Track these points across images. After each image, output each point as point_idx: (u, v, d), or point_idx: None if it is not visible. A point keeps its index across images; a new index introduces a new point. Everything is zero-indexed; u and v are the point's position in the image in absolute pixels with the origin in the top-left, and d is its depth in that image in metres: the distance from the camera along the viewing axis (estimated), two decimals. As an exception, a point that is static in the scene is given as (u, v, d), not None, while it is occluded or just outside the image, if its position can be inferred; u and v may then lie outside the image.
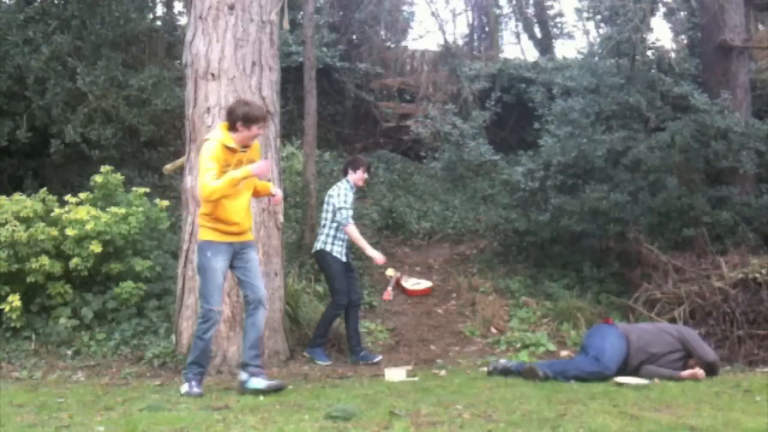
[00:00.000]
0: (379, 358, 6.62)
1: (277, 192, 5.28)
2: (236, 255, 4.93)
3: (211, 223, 4.85)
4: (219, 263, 4.83)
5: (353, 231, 6.66)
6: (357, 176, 6.84)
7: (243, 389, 4.85)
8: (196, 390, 4.84)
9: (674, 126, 8.64)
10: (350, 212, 6.66)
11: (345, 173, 6.91)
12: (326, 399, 4.59)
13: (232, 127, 4.82)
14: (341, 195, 6.65)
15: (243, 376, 4.91)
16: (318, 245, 6.74)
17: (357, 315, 6.82)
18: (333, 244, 6.65)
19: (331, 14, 14.16)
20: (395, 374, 5.66)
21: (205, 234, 4.88)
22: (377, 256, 6.83)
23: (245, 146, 4.87)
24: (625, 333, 5.59)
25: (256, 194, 5.19)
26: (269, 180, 5.53)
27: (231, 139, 4.80)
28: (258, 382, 4.83)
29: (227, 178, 4.68)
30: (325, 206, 6.76)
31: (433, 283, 8.83)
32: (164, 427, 3.75)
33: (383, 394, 4.76)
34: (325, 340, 6.68)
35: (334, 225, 6.65)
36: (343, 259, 6.67)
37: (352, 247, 6.93)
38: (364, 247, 6.78)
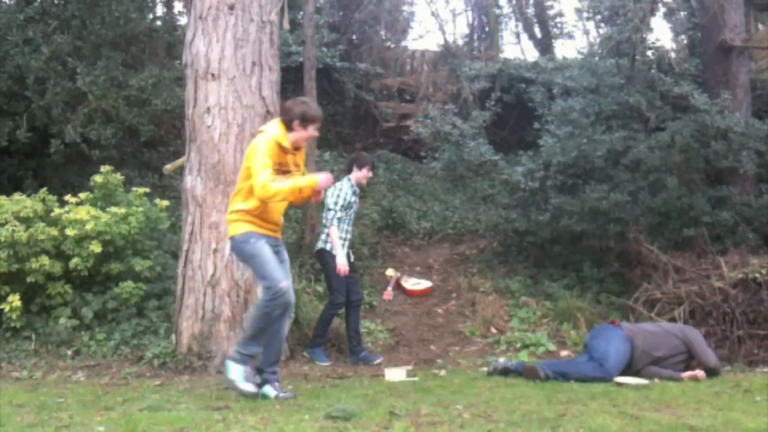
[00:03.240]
0: (379, 359, 6.62)
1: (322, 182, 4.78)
2: (272, 250, 4.65)
3: (248, 217, 4.60)
4: (264, 245, 4.58)
5: (334, 233, 6.54)
6: (361, 174, 6.79)
7: (262, 395, 4.61)
8: (283, 394, 4.58)
9: (674, 126, 8.64)
10: (340, 214, 6.60)
11: (349, 170, 6.87)
12: (326, 399, 4.59)
13: (288, 127, 4.59)
14: (334, 195, 6.62)
15: (256, 379, 4.68)
16: (319, 245, 6.74)
17: (358, 315, 6.81)
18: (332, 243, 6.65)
19: (331, 14, 14.15)
20: (395, 374, 5.66)
21: (241, 227, 4.60)
22: (340, 264, 6.49)
23: (297, 148, 4.67)
24: (630, 336, 5.53)
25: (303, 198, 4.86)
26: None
27: (286, 138, 4.57)
28: (270, 390, 4.62)
29: (291, 184, 4.46)
30: (326, 204, 6.75)
31: (433, 283, 8.83)
32: (164, 427, 3.75)
33: (383, 394, 4.76)
34: (324, 340, 6.69)
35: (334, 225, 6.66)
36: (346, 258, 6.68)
37: (352, 246, 6.92)
38: (337, 252, 6.51)
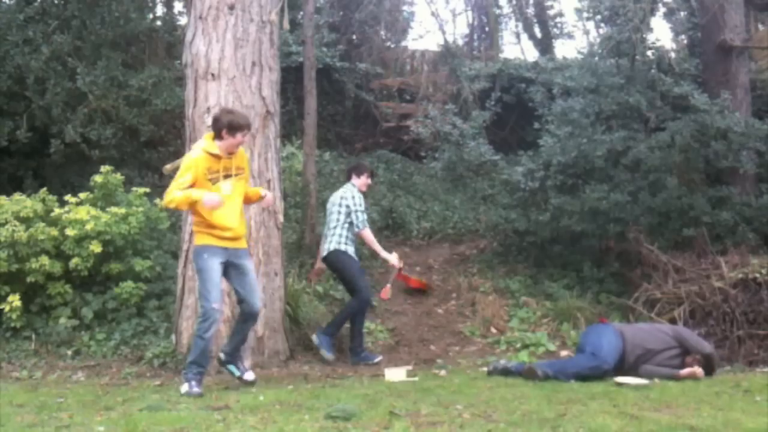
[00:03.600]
0: (379, 358, 6.61)
1: (267, 193, 5.45)
2: (232, 263, 5.10)
3: (206, 229, 5.04)
4: (215, 263, 5.00)
5: (369, 235, 6.70)
6: (361, 182, 6.86)
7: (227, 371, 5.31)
8: (196, 390, 4.92)
9: (674, 126, 8.64)
10: (366, 216, 6.70)
11: (348, 178, 6.89)
12: (326, 399, 4.59)
13: (217, 135, 5.02)
14: (355, 198, 6.67)
15: (222, 356, 5.30)
16: (331, 246, 6.67)
17: (364, 317, 6.79)
18: (346, 244, 6.66)
19: (331, 14, 14.15)
20: (395, 374, 5.66)
21: (200, 239, 5.08)
22: (392, 259, 6.85)
23: (230, 153, 5.07)
24: (619, 329, 5.70)
25: (248, 200, 5.37)
26: (271, 187, 5.91)
27: (215, 147, 5.01)
28: (234, 369, 5.27)
29: (186, 194, 4.91)
30: (336, 208, 6.73)
31: (432, 283, 8.83)
32: (164, 427, 3.75)
33: (383, 394, 4.76)
34: (336, 332, 6.60)
35: (346, 226, 6.65)
36: (356, 258, 6.70)
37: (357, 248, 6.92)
38: (378, 251, 6.80)
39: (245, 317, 5.23)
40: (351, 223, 6.65)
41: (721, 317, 7.11)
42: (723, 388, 4.99)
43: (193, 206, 4.99)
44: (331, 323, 6.64)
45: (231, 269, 5.12)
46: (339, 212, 6.72)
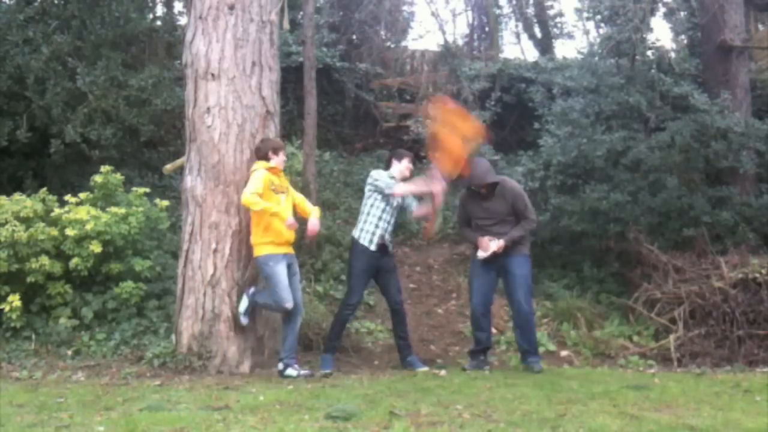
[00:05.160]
0: (424, 368, 6.21)
1: (314, 224, 6.05)
2: (289, 265, 5.87)
3: (267, 237, 5.79)
4: (282, 268, 5.77)
5: (401, 189, 6.16)
6: (403, 166, 6.36)
7: (281, 377, 5.71)
8: (303, 372, 5.73)
9: (674, 126, 8.64)
10: (389, 180, 6.21)
11: (388, 167, 6.42)
12: (326, 399, 4.59)
13: (267, 159, 5.95)
14: (373, 176, 6.25)
15: (279, 366, 5.80)
16: (354, 233, 6.32)
17: (399, 320, 6.36)
18: (361, 232, 6.23)
19: (331, 14, 14.15)
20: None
21: (262, 250, 5.82)
22: (436, 187, 6.05)
23: (277, 172, 5.97)
24: None
25: (302, 212, 6.10)
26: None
27: (274, 163, 5.96)
28: (290, 371, 5.71)
29: (268, 205, 5.72)
30: (365, 199, 6.33)
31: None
32: (164, 427, 3.75)
33: (383, 394, 4.76)
34: (336, 345, 6.28)
35: (364, 214, 6.25)
36: (372, 247, 6.17)
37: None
38: (419, 189, 6.19)
39: (291, 316, 5.83)
40: (372, 206, 6.21)
41: (721, 317, 7.12)
42: (723, 388, 5.00)
43: (266, 215, 5.71)
44: (327, 338, 6.33)
45: (288, 271, 5.85)
46: (365, 198, 6.34)
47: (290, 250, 5.95)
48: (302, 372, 5.75)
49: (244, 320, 6.02)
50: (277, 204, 5.81)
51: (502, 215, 6.05)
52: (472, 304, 6.20)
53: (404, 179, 6.35)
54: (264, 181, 5.80)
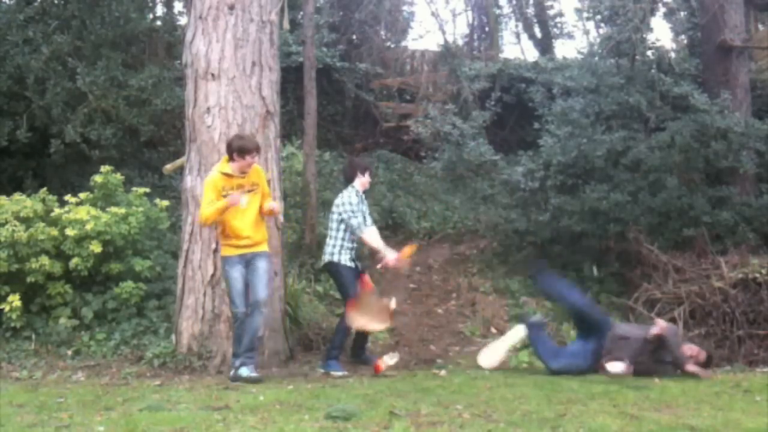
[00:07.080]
0: (340, 373, 6.13)
1: (273, 205, 5.75)
2: (248, 263, 5.61)
3: (226, 240, 5.65)
4: (236, 272, 5.59)
5: (369, 237, 6.30)
6: (365, 180, 6.50)
7: (235, 376, 5.49)
8: (254, 375, 5.45)
9: (674, 126, 8.65)
10: (360, 219, 6.30)
11: (350, 180, 6.50)
12: (326, 399, 4.59)
13: (230, 158, 5.60)
14: (348, 203, 6.29)
15: (236, 362, 5.55)
16: (326, 257, 6.38)
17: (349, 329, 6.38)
18: (341, 254, 6.30)
19: (331, 14, 14.14)
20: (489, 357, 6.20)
21: (223, 251, 5.70)
22: (389, 256, 6.30)
23: (243, 172, 5.59)
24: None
25: (262, 212, 5.74)
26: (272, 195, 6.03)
27: (228, 167, 5.59)
28: (243, 371, 5.47)
29: (214, 207, 5.48)
30: (334, 216, 6.39)
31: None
32: (164, 427, 3.75)
33: (383, 394, 4.76)
34: (339, 352, 6.26)
35: (339, 234, 6.33)
36: (352, 265, 6.33)
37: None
38: (380, 249, 6.32)
39: (250, 313, 5.55)
40: (346, 230, 6.32)
41: (721, 317, 7.13)
42: (723, 388, 4.99)
43: (222, 214, 5.50)
44: (329, 347, 6.32)
45: (248, 268, 5.62)
46: (332, 220, 6.41)
47: (250, 249, 5.62)
48: (253, 374, 5.45)
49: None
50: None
51: None
52: None
53: (365, 191, 6.59)
54: (213, 189, 5.55)
